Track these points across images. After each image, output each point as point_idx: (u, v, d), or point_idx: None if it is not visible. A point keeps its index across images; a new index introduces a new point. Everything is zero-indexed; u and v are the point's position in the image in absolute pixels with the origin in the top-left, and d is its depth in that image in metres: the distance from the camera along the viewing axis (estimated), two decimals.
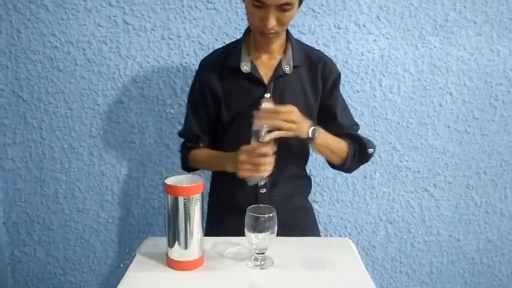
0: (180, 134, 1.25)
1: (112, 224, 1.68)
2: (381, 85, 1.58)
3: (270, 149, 0.97)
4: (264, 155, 0.96)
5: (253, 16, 1.02)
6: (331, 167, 1.21)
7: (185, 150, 1.23)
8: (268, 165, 0.98)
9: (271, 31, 1.02)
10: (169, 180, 0.93)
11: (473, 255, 1.75)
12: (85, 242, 1.70)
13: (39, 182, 1.64)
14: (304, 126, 1.01)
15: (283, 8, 0.98)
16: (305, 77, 1.14)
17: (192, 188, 0.91)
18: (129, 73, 1.55)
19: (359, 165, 1.19)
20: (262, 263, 0.95)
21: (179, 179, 0.95)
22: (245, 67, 1.10)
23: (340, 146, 1.12)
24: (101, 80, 1.55)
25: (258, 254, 0.95)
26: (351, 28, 1.53)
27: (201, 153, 1.19)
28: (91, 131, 1.59)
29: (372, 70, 1.57)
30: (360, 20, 1.53)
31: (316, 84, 1.15)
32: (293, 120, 0.98)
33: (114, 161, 1.62)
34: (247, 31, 1.16)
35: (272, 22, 0.99)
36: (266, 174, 1.00)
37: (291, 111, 0.99)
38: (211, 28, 1.51)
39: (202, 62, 1.21)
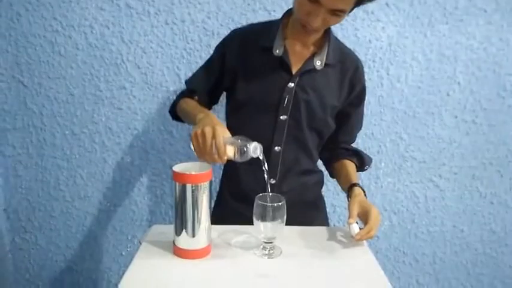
0: (185, 81, 1.21)
1: (114, 211, 1.66)
2: (388, 74, 1.56)
3: (224, 151, 0.88)
4: (219, 150, 0.87)
5: (301, 7, 0.96)
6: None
7: (180, 95, 1.18)
8: (210, 159, 0.89)
9: (314, 28, 0.99)
10: (178, 168, 0.91)
11: (476, 246, 1.75)
12: (87, 229, 1.68)
13: (40, 169, 1.62)
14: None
15: (335, 13, 0.94)
16: (333, 79, 1.10)
17: (201, 176, 0.88)
18: (131, 58, 1.51)
19: None
20: (271, 252, 0.94)
21: (187, 167, 0.93)
22: (277, 50, 1.06)
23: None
24: (103, 66, 1.52)
25: (266, 243, 0.94)
26: (358, 15, 1.50)
27: (191, 102, 1.13)
28: (93, 117, 1.57)
29: (380, 58, 1.54)
30: (368, 6, 1.48)
31: (343, 87, 1.11)
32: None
33: (117, 148, 1.60)
34: (287, 13, 1.11)
35: (318, 21, 0.95)
36: (203, 161, 0.92)
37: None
38: (217, 13, 1.48)
39: (235, 31, 1.15)
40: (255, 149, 0.90)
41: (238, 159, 0.92)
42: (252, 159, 0.94)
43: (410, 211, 1.70)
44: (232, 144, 0.90)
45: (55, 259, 1.71)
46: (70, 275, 1.74)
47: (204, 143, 0.88)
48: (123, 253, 1.71)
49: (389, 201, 1.69)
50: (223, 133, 0.88)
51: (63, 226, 1.68)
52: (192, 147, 0.92)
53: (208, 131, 0.87)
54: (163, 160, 1.61)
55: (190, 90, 1.17)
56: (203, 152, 0.89)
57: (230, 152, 0.90)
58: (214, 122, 0.90)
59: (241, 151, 0.90)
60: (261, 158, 0.93)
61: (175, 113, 1.18)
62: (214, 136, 0.87)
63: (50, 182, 1.63)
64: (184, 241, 0.91)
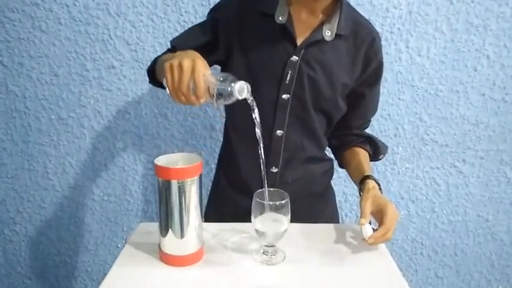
0: (170, 41, 1.02)
1: (107, 201, 1.55)
2: (407, 47, 1.38)
3: (203, 90, 0.72)
4: (197, 87, 0.72)
5: None
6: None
7: (162, 54, 1.00)
8: (185, 99, 0.75)
9: None
10: (161, 160, 0.77)
11: (502, 237, 1.60)
12: (79, 220, 1.57)
13: (26, 156, 1.50)
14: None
15: None
16: (344, 53, 0.94)
17: (188, 170, 0.74)
18: (120, 34, 1.36)
19: None
20: (272, 257, 0.81)
21: (173, 158, 0.79)
22: (280, 17, 0.90)
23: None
24: (88, 42, 1.37)
25: (267, 246, 0.81)
26: None
27: (172, 55, 0.89)
28: (80, 100, 1.43)
29: (398, 29, 1.37)
30: None
31: (356, 62, 0.95)
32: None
33: (107, 133, 1.47)
34: None
35: None
36: (176, 101, 0.77)
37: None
38: None
39: None
40: (241, 89, 0.73)
41: (219, 101, 0.75)
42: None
43: (430, 199, 1.55)
44: (213, 83, 0.73)
45: (47, 252, 1.61)
46: (64, 268, 1.64)
47: (181, 77, 0.72)
48: (119, 245, 1.60)
49: (407, 189, 1.54)
50: (205, 69, 0.73)
51: (54, 217, 1.57)
52: (165, 82, 0.76)
53: (187, 63, 0.72)
54: (158, 146, 1.47)
55: (174, 47, 0.98)
56: (178, 89, 0.73)
57: (211, 91, 0.74)
58: (195, 56, 0.75)
59: (224, 91, 0.73)
60: (249, 100, 0.77)
61: (154, 74, 0.98)
62: (193, 71, 0.72)
63: (37, 170, 1.51)
64: (171, 246, 0.78)
